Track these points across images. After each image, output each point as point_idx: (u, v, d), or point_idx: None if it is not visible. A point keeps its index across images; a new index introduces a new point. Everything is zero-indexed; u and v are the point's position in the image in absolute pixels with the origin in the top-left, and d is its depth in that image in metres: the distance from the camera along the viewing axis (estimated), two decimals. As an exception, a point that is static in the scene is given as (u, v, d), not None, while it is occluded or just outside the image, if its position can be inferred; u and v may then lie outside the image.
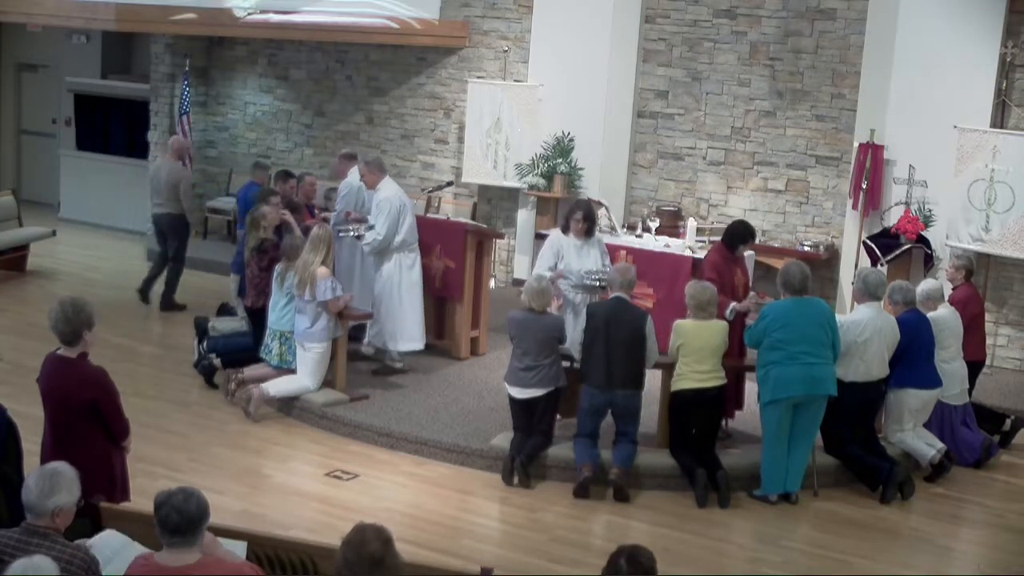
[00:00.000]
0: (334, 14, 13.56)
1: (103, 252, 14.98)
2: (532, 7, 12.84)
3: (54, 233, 14.19)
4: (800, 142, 11.98)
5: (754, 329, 8.14)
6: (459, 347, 10.63)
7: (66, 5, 14.61)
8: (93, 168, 16.43)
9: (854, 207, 11.29)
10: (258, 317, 9.83)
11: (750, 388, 8.79)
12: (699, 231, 10.87)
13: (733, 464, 8.24)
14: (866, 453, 8.33)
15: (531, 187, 12.58)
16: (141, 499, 5.75)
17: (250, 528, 5.75)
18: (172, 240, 12.26)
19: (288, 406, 9.38)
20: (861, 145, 11.17)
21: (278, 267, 9.48)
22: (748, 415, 8.95)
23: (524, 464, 8.15)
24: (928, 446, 8.58)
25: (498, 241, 12.23)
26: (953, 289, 9.46)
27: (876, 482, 8.24)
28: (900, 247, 10.88)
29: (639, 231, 11.07)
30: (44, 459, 5.71)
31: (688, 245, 10.51)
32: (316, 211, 11.23)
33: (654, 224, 11.10)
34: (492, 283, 12.04)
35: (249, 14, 13.83)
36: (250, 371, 9.58)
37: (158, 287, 12.41)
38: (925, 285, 9.03)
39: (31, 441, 6.07)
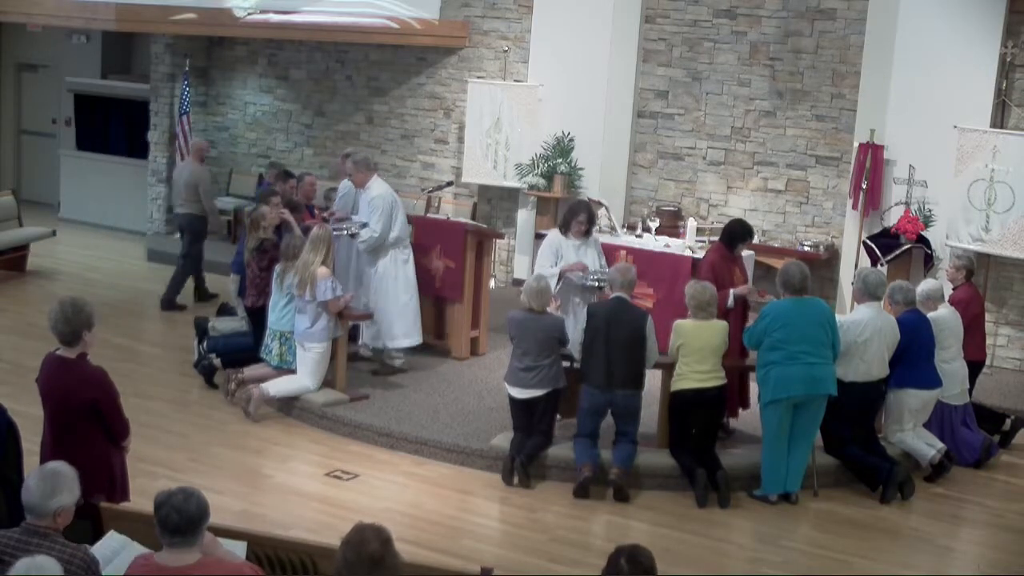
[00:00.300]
0: (334, 14, 13.56)
1: (103, 252, 14.98)
2: (532, 7, 12.83)
3: (54, 233, 14.19)
4: (800, 142, 11.98)
5: (754, 329, 8.14)
6: (459, 347, 10.63)
7: (66, 5, 14.62)
8: (93, 168, 16.43)
9: (854, 207, 11.29)
10: (258, 317, 9.84)
11: (755, 387, 8.78)
12: (699, 231, 10.88)
13: (733, 464, 8.24)
14: (866, 453, 8.33)
15: (531, 187, 12.58)
16: (141, 499, 5.75)
17: (250, 528, 5.75)
18: (186, 237, 12.38)
19: (288, 406, 9.38)
20: (861, 145, 11.17)
21: (278, 267, 9.48)
22: (748, 415, 8.95)
23: (524, 464, 8.15)
24: (928, 446, 8.58)
25: (498, 241, 12.24)
26: (953, 289, 9.46)
27: (876, 482, 8.23)
28: (900, 247, 10.88)
29: (639, 231, 11.08)
30: (44, 459, 5.71)
31: (688, 245, 10.52)
32: (316, 211, 11.23)
33: (654, 224, 11.11)
34: (492, 283, 12.04)
35: (249, 14, 13.83)
36: (250, 371, 9.58)
37: (190, 283, 12.50)
38: (925, 285, 9.03)
39: (31, 441, 6.07)
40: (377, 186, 10.00)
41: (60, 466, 4.60)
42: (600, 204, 11.10)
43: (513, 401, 8.34)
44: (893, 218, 11.11)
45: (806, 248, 11.62)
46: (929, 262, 10.93)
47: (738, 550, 7.48)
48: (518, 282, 12.16)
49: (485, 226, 11.70)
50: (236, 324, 10.43)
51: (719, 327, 8.17)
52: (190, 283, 12.55)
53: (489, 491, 8.14)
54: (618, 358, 8.03)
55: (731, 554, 7.42)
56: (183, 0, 13.95)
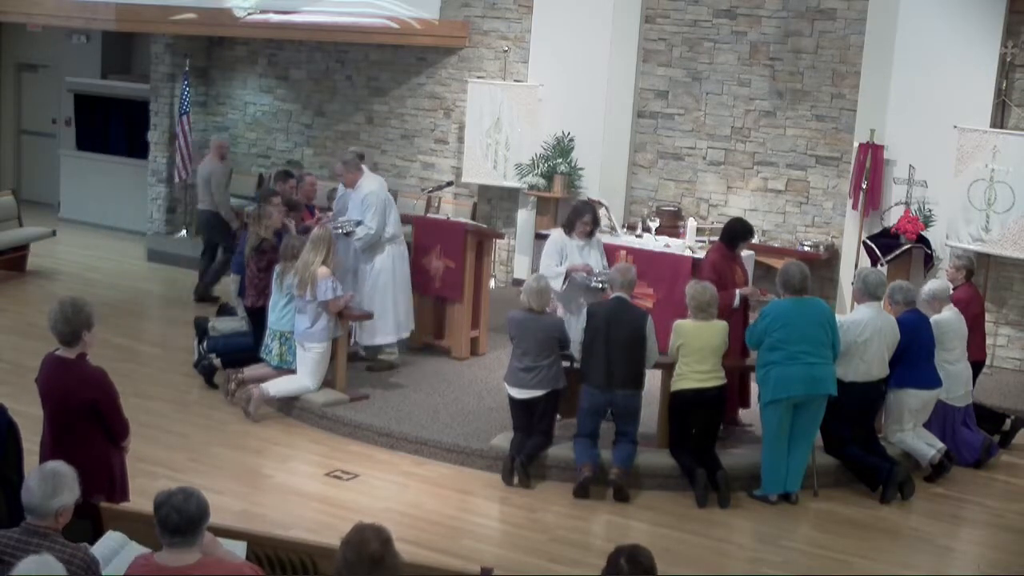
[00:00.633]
0: (334, 14, 13.56)
1: (103, 252, 14.98)
2: (532, 7, 12.83)
3: (54, 233, 14.18)
4: (800, 142, 11.98)
5: (755, 328, 8.14)
6: (459, 347, 10.63)
7: (66, 5, 14.62)
8: (93, 168, 16.43)
9: (854, 207, 11.29)
10: (258, 317, 9.84)
11: (755, 387, 8.78)
12: (699, 231, 10.88)
13: (733, 464, 8.24)
14: (866, 453, 8.33)
15: (531, 187, 12.58)
16: (141, 499, 5.75)
17: (250, 528, 5.75)
18: (215, 237, 12.60)
19: (288, 406, 9.38)
20: (861, 145, 11.17)
21: (278, 267, 9.48)
22: (748, 415, 8.95)
23: (524, 464, 8.15)
24: (928, 446, 8.58)
25: (498, 241, 12.23)
26: (954, 289, 9.44)
27: (876, 482, 8.23)
28: (900, 247, 10.88)
29: (639, 231, 11.08)
30: (43, 459, 5.69)
31: (688, 245, 10.52)
32: (317, 211, 11.23)
33: (654, 224, 11.11)
34: (492, 283, 12.05)
35: (249, 14, 13.82)
36: (250, 371, 9.58)
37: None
38: (932, 285, 9.03)
39: (31, 441, 6.07)
40: (368, 184, 10.03)
41: (59, 465, 4.60)
42: (600, 204, 11.09)
43: (513, 401, 8.34)
44: (893, 218, 11.11)
45: (806, 248, 11.61)
46: (929, 262, 10.93)
47: (738, 550, 7.48)
48: (518, 282, 12.16)
49: (485, 226, 11.70)
50: (236, 324, 10.43)
51: (719, 327, 8.17)
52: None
53: (489, 491, 8.14)
54: (618, 358, 8.03)
55: (731, 554, 7.43)
56: (183, 0, 13.94)
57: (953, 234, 10.82)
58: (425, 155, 13.98)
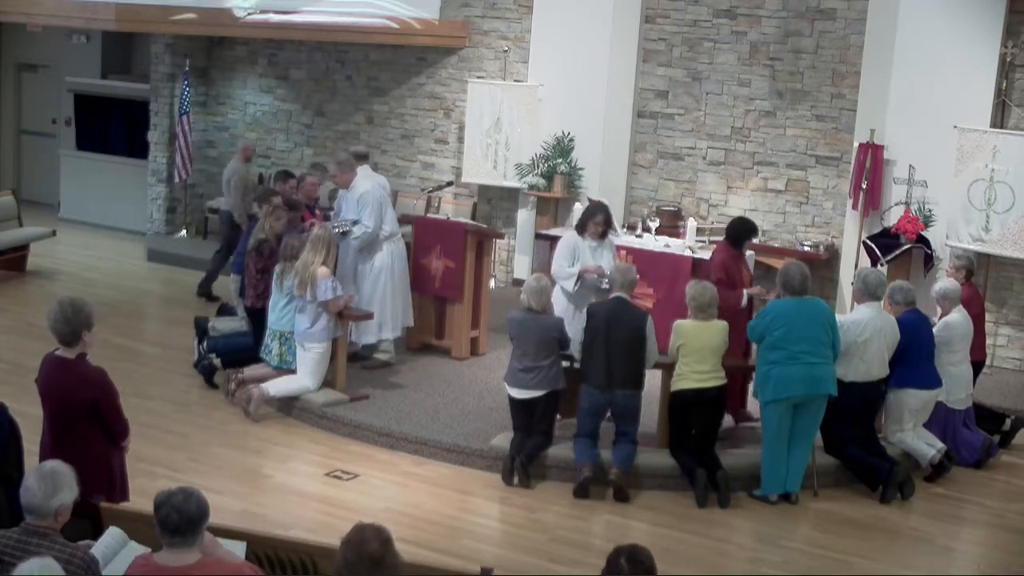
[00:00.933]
0: (334, 14, 13.56)
1: (103, 252, 14.98)
2: (532, 7, 12.83)
3: (54, 233, 14.18)
4: (800, 142, 11.98)
5: (756, 324, 8.15)
6: (459, 347, 10.63)
7: (66, 5, 14.62)
8: (93, 168, 16.43)
9: (854, 207, 11.29)
10: (258, 317, 9.84)
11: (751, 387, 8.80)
12: (699, 231, 10.88)
13: (733, 464, 8.24)
14: (866, 453, 8.33)
15: (531, 187, 12.58)
16: (141, 499, 5.75)
17: (250, 528, 5.74)
18: (232, 237, 12.57)
19: (288, 406, 9.38)
20: (861, 145, 11.17)
21: (278, 267, 9.48)
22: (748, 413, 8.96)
23: (524, 464, 8.14)
24: (928, 446, 8.57)
25: (498, 241, 12.23)
26: (953, 289, 9.46)
27: (876, 482, 8.23)
28: (900, 247, 10.88)
29: (639, 231, 11.08)
30: (43, 459, 5.69)
31: (688, 245, 10.52)
32: (317, 211, 11.22)
33: (654, 224, 11.11)
34: (492, 283, 12.05)
35: (249, 14, 13.83)
36: (250, 371, 9.58)
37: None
38: (943, 284, 9.02)
39: (31, 441, 6.07)
40: (363, 183, 10.03)
41: (57, 464, 4.60)
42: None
43: (513, 401, 8.33)
44: (893, 218, 11.11)
45: (806, 248, 11.61)
46: (929, 262, 10.93)
47: (738, 550, 7.48)
48: (518, 282, 12.16)
49: (485, 226, 11.69)
50: (236, 324, 10.43)
51: (719, 327, 8.17)
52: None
53: (489, 491, 8.14)
54: (618, 358, 8.03)
55: (731, 554, 7.43)
56: (183, 0, 13.95)
57: (953, 234, 10.82)
58: (425, 155, 13.98)
